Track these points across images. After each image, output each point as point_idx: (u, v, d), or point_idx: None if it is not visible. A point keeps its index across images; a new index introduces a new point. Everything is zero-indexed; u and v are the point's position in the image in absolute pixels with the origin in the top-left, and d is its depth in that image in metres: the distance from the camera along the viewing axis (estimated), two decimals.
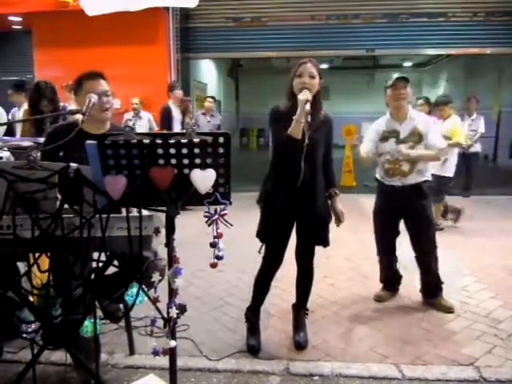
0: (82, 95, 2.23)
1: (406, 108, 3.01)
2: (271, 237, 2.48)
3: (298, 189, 2.39)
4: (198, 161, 1.57)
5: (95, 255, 1.68)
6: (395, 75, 3.03)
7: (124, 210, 1.73)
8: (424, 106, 5.42)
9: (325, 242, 2.54)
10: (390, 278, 3.30)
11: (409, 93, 2.97)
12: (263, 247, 2.52)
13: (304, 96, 2.24)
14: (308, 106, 2.21)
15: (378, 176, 3.21)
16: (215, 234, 1.63)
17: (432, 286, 3.15)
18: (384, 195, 3.18)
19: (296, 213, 2.46)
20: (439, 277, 3.14)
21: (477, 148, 7.36)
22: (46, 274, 1.72)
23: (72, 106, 4.61)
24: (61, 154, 2.13)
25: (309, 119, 2.24)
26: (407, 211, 3.08)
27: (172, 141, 1.54)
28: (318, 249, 2.59)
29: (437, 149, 2.99)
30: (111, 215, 1.63)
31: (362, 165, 3.21)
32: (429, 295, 3.16)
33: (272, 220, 2.46)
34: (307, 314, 2.71)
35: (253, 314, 2.65)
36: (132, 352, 2.52)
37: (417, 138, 2.99)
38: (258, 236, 2.51)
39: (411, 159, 2.97)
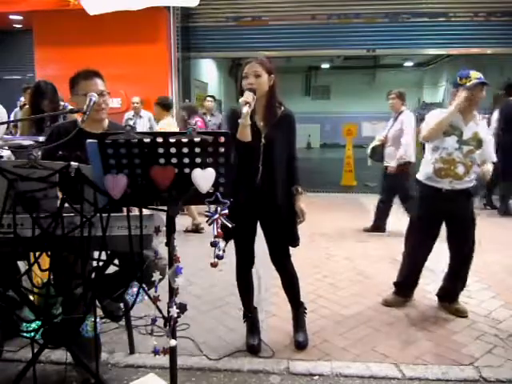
0: (78, 95, 2.23)
1: (475, 111, 2.91)
2: (238, 235, 2.45)
3: (257, 188, 2.36)
4: (198, 160, 1.57)
5: (96, 254, 1.68)
6: (472, 73, 2.80)
7: (124, 209, 1.73)
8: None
9: (292, 240, 2.51)
10: (409, 285, 3.18)
11: (484, 96, 2.85)
12: (226, 246, 2.46)
13: (243, 98, 2.20)
14: (245, 109, 2.16)
15: (420, 177, 3.01)
16: (215, 233, 1.63)
17: (455, 291, 3.09)
18: (428, 199, 2.98)
19: (257, 212, 2.44)
20: (465, 283, 3.08)
21: None
22: (47, 272, 1.72)
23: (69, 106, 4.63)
24: (60, 152, 2.13)
25: (248, 122, 2.20)
26: (453, 215, 2.94)
27: (173, 140, 1.54)
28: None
29: (492, 161, 2.93)
30: (112, 214, 1.63)
31: (431, 135, 2.97)
32: (449, 299, 3.09)
33: (238, 219, 2.43)
34: (306, 313, 2.71)
35: (251, 314, 2.65)
36: (132, 351, 2.52)
37: (477, 143, 2.87)
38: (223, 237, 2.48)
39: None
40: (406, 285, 3.18)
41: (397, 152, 4.79)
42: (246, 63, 2.32)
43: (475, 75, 2.79)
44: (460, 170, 2.86)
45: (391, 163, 4.82)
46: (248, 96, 2.20)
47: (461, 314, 3.00)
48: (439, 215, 2.98)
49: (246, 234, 2.48)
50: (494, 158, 2.98)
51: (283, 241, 2.51)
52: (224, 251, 2.39)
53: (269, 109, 2.36)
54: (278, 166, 2.39)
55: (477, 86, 2.77)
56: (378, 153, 5.07)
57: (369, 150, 5.20)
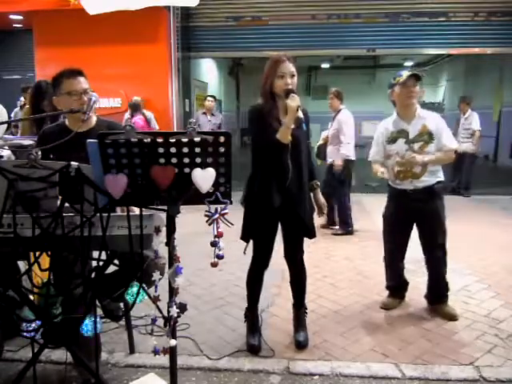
0: (62, 94, 2.22)
1: (415, 106, 2.89)
2: (261, 236, 2.47)
3: (287, 187, 2.39)
4: (198, 160, 1.57)
5: (95, 254, 1.68)
6: (404, 72, 2.86)
7: (118, 209, 1.73)
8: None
9: (311, 233, 2.54)
10: (398, 286, 3.18)
11: (418, 90, 2.84)
12: (247, 247, 2.49)
13: (294, 103, 2.22)
14: (300, 113, 2.20)
15: (388, 181, 3.05)
16: (216, 233, 1.64)
17: (439, 292, 3.04)
18: (396, 200, 3.04)
19: (285, 210, 2.45)
20: (447, 282, 3.03)
21: (467, 147, 7.32)
22: (47, 272, 1.72)
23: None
24: (51, 156, 2.12)
25: (304, 127, 2.23)
26: (420, 214, 2.96)
27: (173, 140, 1.54)
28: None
29: (449, 149, 2.88)
30: (112, 214, 1.63)
31: (375, 175, 3.05)
32: (434, 301, 3.06)
33: (264, 220, 2.44)
34: (306, 313, 2.71)
35: (252, 313, 2.65)
36: (132, 351, 2.52)
37: (427, 137, 2.85)
38: (243, 238, 2.46)
39: (426, 164, 2.84)
40: (395, 286, 3.18)
41: (336, 150, 5.03)
42: (278, 62, 2.32)
43: (408, 74, 2.84)
44: (417, 169, 2.87)
45: (336, 161, 5.00)
46: (297, 99, 2.23)
47: (450, 317, 2.93)
48: (408, 215, 2.99)
49: (268, 234, 2.48)
50: (451, 145, 2.90)
51: (302, 236, 2.54)
52: (245, 252, 2.44)
53: None
54: (304, 162, 2.43)
55: (409, 78, 2.80)
56: (322, 151, 5.27)
57: (315, 150, 5.37)
